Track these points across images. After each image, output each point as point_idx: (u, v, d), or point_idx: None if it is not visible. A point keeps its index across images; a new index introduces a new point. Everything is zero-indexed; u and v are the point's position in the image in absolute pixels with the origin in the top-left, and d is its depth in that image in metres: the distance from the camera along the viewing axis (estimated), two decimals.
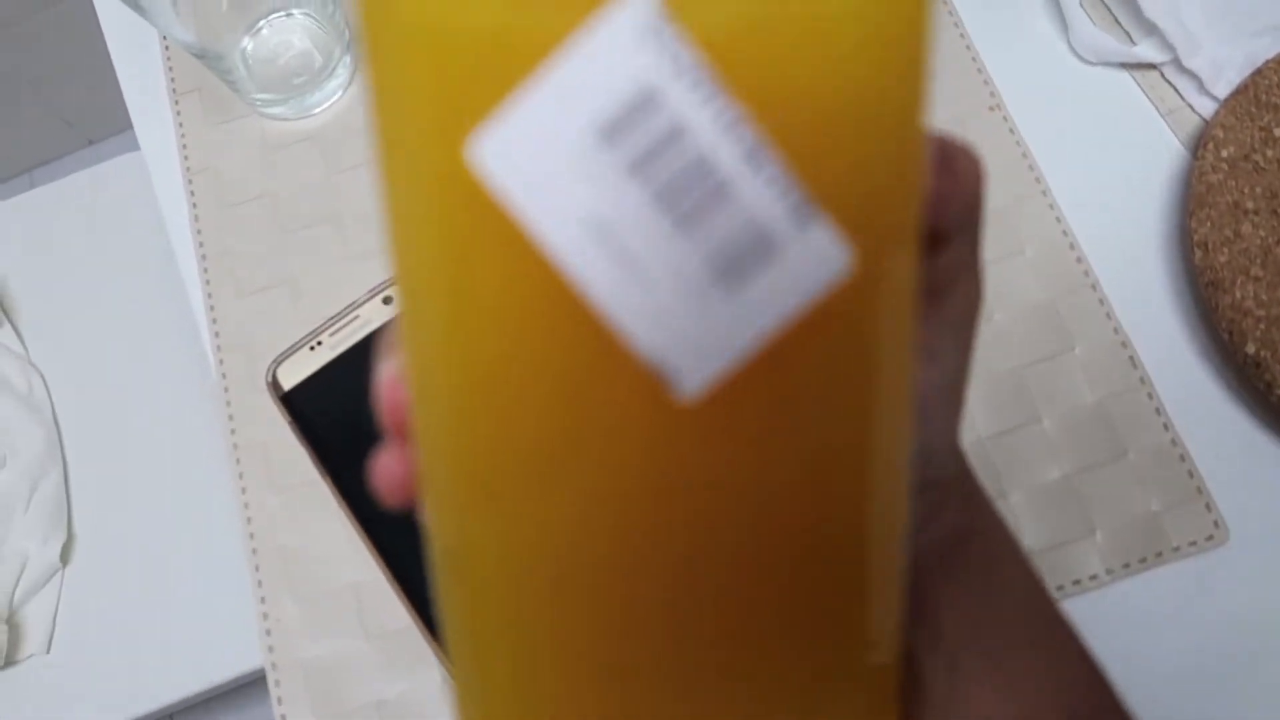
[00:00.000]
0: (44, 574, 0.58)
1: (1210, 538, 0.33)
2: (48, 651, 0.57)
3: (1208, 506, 0.33)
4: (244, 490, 0.37)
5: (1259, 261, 0.34)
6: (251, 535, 0.36)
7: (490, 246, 0.12)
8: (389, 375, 0.15)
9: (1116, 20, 0.41)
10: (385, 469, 0.16)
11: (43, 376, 0.61)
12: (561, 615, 0.14)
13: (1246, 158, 0.36)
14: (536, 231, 0.12)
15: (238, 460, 0.37)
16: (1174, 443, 0.34)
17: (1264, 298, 0.34)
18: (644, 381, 0.12)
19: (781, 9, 0.11)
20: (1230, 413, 0.34)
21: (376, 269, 0.39)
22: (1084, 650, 0.20)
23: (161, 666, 0.56)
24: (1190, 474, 0.34)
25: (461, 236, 0.12)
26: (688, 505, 0.13)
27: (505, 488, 0.13)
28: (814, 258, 0.12)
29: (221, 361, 0.39)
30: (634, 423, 0.13)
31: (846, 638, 0.14)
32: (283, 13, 0.41)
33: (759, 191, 0.12)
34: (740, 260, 0.12)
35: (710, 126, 0.11)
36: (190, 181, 0.42)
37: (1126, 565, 0.33)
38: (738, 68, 0.11)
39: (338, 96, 0.43)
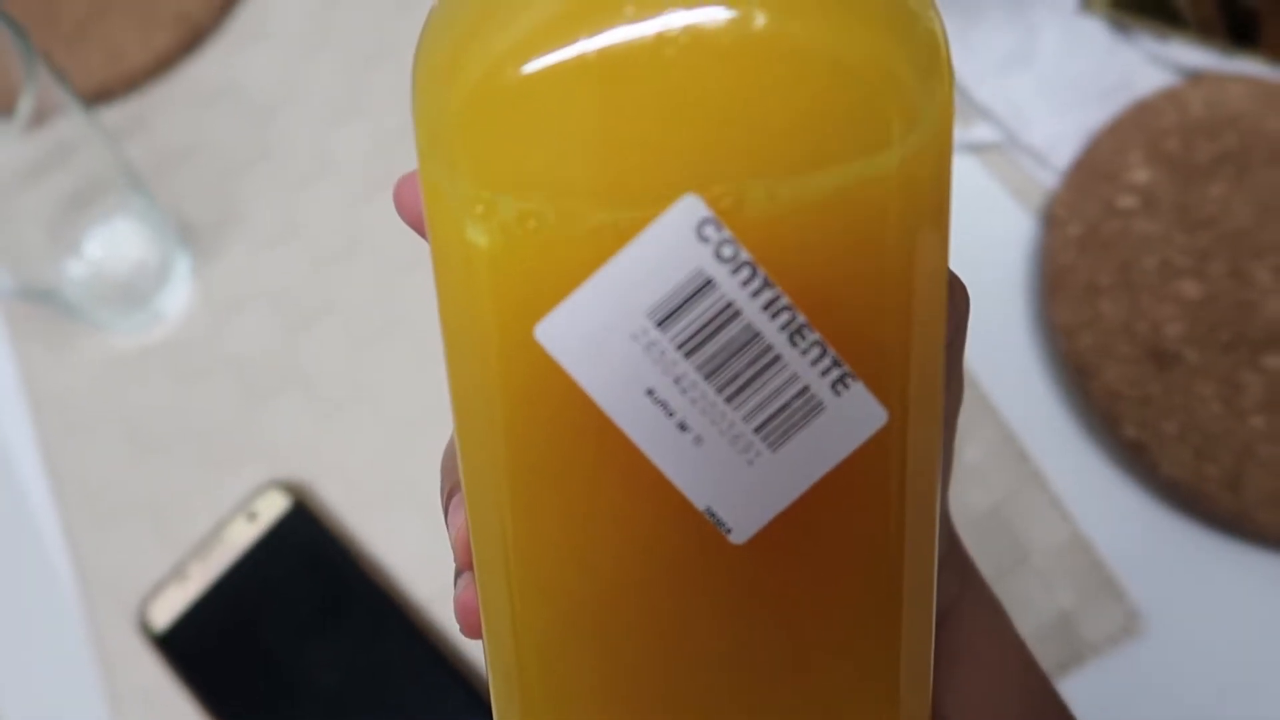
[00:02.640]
0: None
1: (1126, 630, 0.32)
2: None
3: (1119, 597, 0.33)
4: None
5: (1123, 340, 0.34)
6: None
7: (559, 417, 0.14)
8: (457, 522, 0.16)
9: None
10: (464, 602, 0.16)
11: None
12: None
13: (1093, 234, 0.36)
14: (600, 403, 0.13)
15: (115, 713, 0.35)
16: (1076, 535, 0.34)
17: (1134, 377, 0.34)
18: (701, 528, 0.14)
19: (817, 206, 0.13)
20: (1126, 495, 0.34)
21: (240, 483, 0.37)
22: None
23: None
24: (1097, 565, 0.33)
25: (533, 412, 0.14)
26: (738, 630, 0.15)
27: (572, 635, 0.15)
28: (852, 418, 0.14)
29: (88, 604, 0.36)
30: (692, 565, 0.14)
31: None
32: (103, 224, 0.39)
33: (801, 363, 0.13)
34: (784, 423, 0.14)
35: (756, 308, 0.13)
36: (37, 415, 0.39)
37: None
38: (779, 255, 0.13)
39: (183, 297, 0.41)
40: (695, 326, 0.13)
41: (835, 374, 0.13)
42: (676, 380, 0.13)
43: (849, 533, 0.14)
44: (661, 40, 0.12)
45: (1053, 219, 0.37)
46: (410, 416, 0.38)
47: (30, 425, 0.39)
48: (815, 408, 0.13)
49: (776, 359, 0.13)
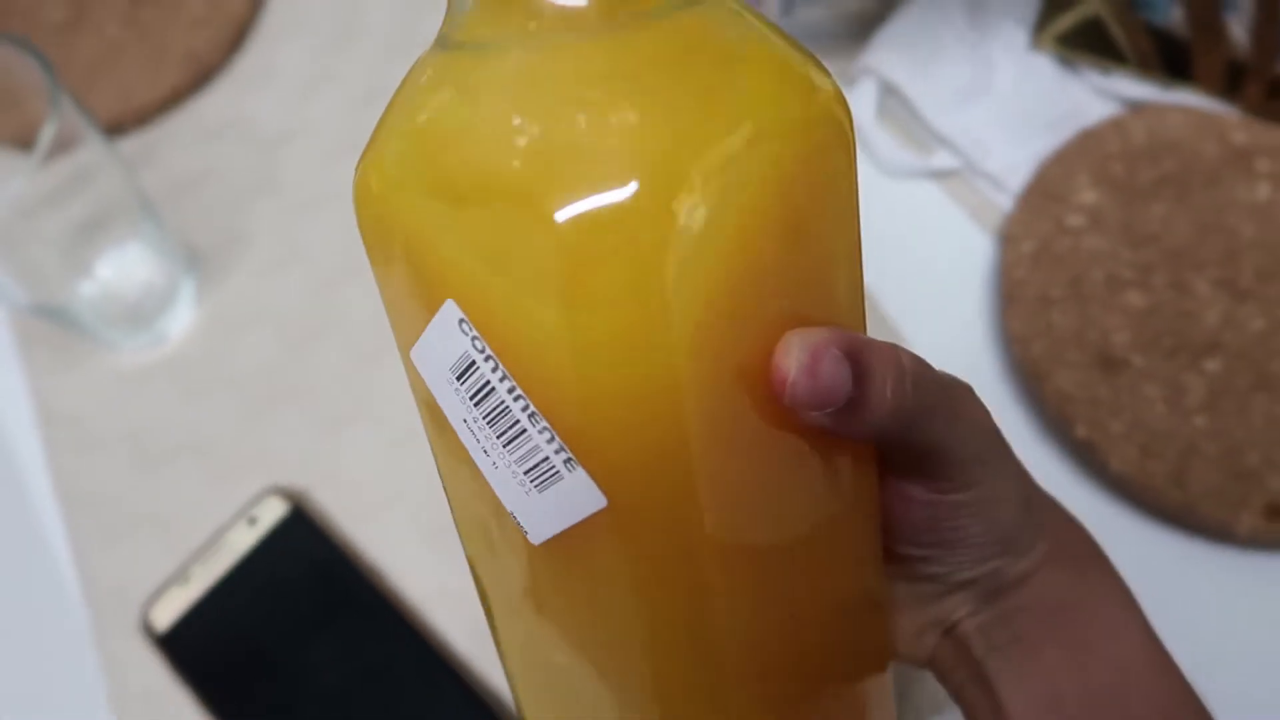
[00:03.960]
0: None
1: None
2: None
3: None
4: None
5: (1074, 347, 0.37)
6: None
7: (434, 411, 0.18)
8: None
9: (912, 136, 0.44)
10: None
11: None
12: None
13: (1045, 250, 0.39)
14: (447, 416, 0.17)
15: (118, 715, 0.36)
16: None
17: (1084, 381, 0.36)
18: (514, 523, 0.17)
19: (550, 332, 0.15)
20: (1079, 491, 0.36)
21: (240, 492, 0.39)
22: None
23: None
24: None
25: (427, 405, 0.19)
26: (528, 621, 0.19)
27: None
28: (580, 493, 0.16)
29: (93, 607, 0.38)
30: (512, 553, 0.18)
31: None
32: (114, 248, 0.41)
33: (539, 439, 0.16)
34: (539, 476, 0.16)
35: (503, 389, 0.16)
36: (46, 428, 0.41)
37: None
38: (520, 355, 0.16)
39: (188, 318, 0.43)
40: (472, 390, 0.16)
41: (564, 454, 0.16)
42: (474, 419, 0.17)
43: (586, 587, 0.18)
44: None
45: (1008, 237, 0.40)
46: (405, 427, 0.40)
47: (39, 438, 0.41)
48: (555, 474, 0.16)
49: (523, 430, 0.16)
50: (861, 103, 0.44)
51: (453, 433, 0.18)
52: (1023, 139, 0.42)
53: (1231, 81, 0.41)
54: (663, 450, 0.16)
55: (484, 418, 0.16)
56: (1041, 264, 0.38)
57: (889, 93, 0.44)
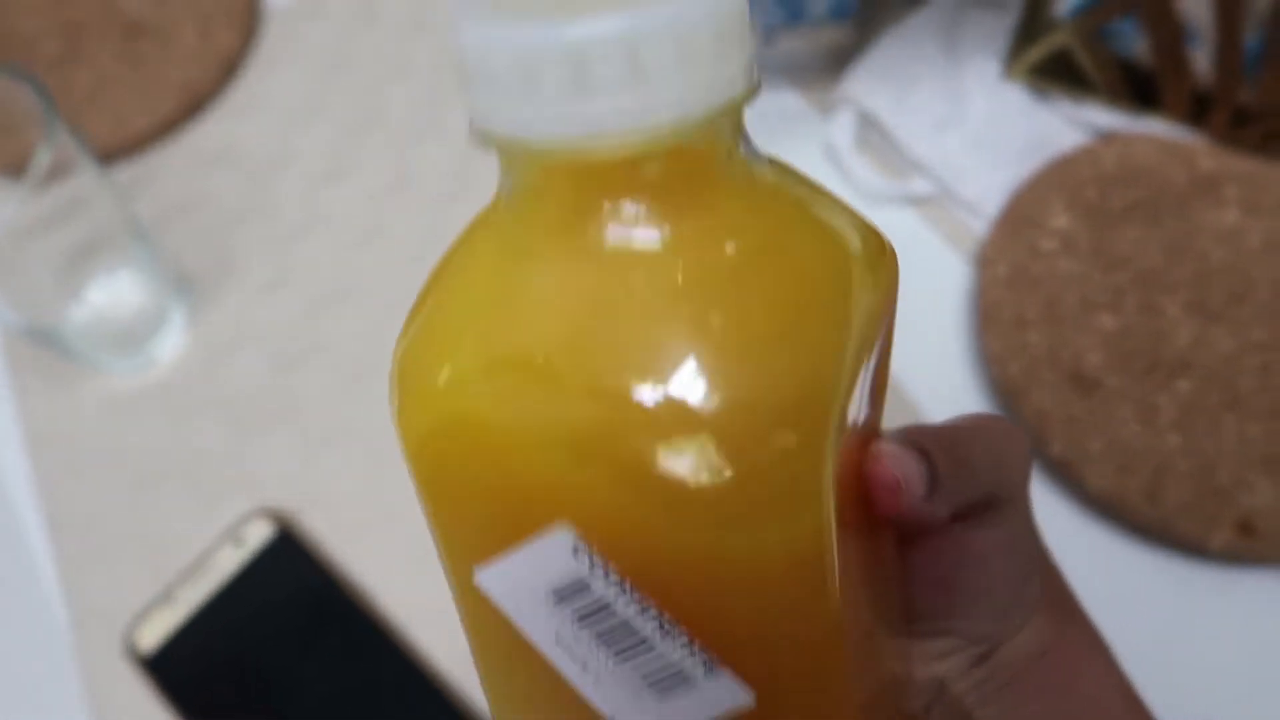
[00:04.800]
0: None
1: None
2: None
3: None
4: None
5: (1049, 367, 0.37)
6: None
7: (501, 635, 0.17)
8: None
9: (889, 163, 0.45)
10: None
11: None
12: None
13: (1020, 274, 0.40)
14: (528, 634, 0.16)
15: None
16: None
17: (1060, 400, 0.37)
18: None
19: (678, 543, 0.15)
20: (1056, 508, 0.37)
21: (228, 514, 0.39)
22: None
23: None
24: None
25: (484, 627, 0.17)
26: None
27: None
28: (721, 693, 0.16)
29: (78, 628, 0.38)
30: None
31: None
32: (106, 273, 0.42)
33: (670, 648, 0.15)
34: (662, 685, 0.16)
35: (627, 606, 0.15)
36: (34, 451, 0.41)
37: None
38: (644, 570, 0.15)
39: (179, 343, 0.43)
40: (583, 611, 0.15)
41: (702, 659, 0.15)
42: (576, 639, 0.16)
43: None
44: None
45: (984, 261, 0.40)
46: (392, 450, 0.40)
47: (28, 461, 0.41)
48: (687, 680, 0.16)
49: (648, 643, 0.15)
50: (840, 131, 0.45)
51: (527, 649, 0.16)
52: (997, 166, 0.43)
53: (1198, 111, 0.43)
54: (812, 618, 0.16)
55: (595, 637, 0.16)
56: (1017, 287, 0.39)
57: (867, 121, 0.46)
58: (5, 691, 0.37)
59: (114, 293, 0.42)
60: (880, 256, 0.17)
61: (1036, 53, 0.45)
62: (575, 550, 0.15)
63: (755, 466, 0.14)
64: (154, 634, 0.36)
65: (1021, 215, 0.41)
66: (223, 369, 0.43)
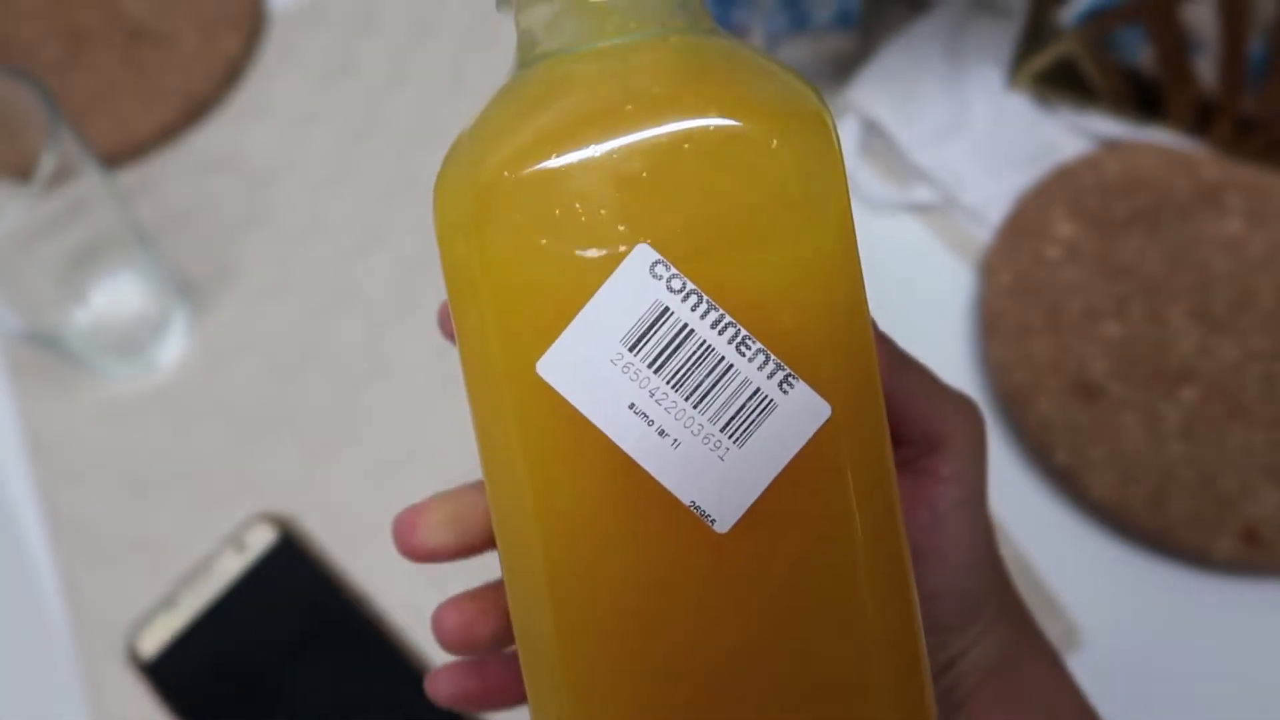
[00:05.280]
0: None
1: (1065, 643, 0.34)
2: None
3: (1059, 614, 0.35)
4: None
5: (1052, 375, 0.37)
6: None
7: (565, 441, 0.16)
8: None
9: (893, 171, 0.45)
10: (443, 618, 0.20)
11: None
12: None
13: (1024, 282, 0.40)
14: (594, 421, 0.16)
15: None
16: (1016, 556, 0.36)
17: (1063, 409, 0.37)
18: (691, 523, 0.16)
19: (749, 254, 0.16)
20: (1060, 517, 0.37)
21: (229, 519, 0.39)
22: None
23: None
24: (1037, 584, 0.36)
25: (542, 439, 0.16)
26: (739, 618, 0.17)
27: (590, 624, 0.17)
28: (800, 412, 0.16)
29: (79, 633, 0.37)
30: (688, 557, 0.16)
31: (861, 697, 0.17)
32: (108, 278, 0.42)
33: (749, 369, 0.16)
34: (745, 421, 0.16)
35: (705, 327, 0.16)
36: (36, 456, 0.41)
37: None
38: (722, 285, 0.16)
39: (180, 348, 0.43)
40: (659, 347, 0.16)
41: (780, 376, 0.16)
42: (651, 394, 0.16)
43: (815, 514, 0.16)
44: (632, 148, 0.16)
45: (988, 269, 0.40)
46: (393, 455, 0.40)
47: (29, 465, 0.41)
48: (768, 406, 0.16)
49: (730, 367, 0.16)
50: (845, 139, 0.45)
51: (591, 461, 0.16)
52: (1000, 174, 0.43)
53: (1201, 119, 0.43)
54: (855, 331, 0.17)
55: (672, 379, 0.16)
56: (1020, 295, 0.39)
57: (871, 129, 0.46)
58: (7, 697, 0.37)
59: (116, 297, 0.42)
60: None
61: (1040, 61, 0.45)
62: (654, 268, 0.15)
63: (794, 146, 0.16)
64: (155, 639, 0.36)
65: (1025, 223, 0.41)
66: (224, 374, 0.43)
